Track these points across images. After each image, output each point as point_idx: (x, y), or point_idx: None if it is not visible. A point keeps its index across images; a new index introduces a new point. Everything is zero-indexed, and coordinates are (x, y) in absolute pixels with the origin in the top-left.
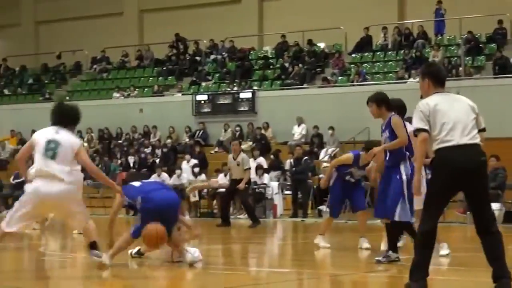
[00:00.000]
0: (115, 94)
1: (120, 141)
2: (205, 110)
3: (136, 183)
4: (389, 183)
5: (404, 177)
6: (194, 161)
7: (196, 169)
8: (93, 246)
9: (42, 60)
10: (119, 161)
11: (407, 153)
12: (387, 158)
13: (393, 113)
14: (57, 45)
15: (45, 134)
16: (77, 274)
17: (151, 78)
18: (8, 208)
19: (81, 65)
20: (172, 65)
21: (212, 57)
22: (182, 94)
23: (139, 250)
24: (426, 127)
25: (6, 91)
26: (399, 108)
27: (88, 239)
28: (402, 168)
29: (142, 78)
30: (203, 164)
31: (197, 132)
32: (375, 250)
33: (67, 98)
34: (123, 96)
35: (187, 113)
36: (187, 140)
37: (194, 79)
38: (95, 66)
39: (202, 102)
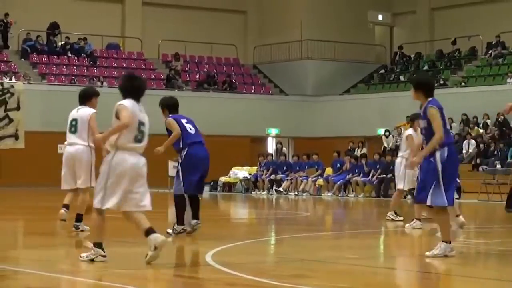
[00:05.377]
0: (510, 80)
1: None
2: None
3: None
4: None
5: None
6: None
7: None
8: None
9: (437, 46)
10: None
11: None
12: None
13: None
14: (452, 31)
15: None
16: None
17: None
18: None
19: (476, 50)
20: None
21: None
22: None
23: None
24: None
25: (401, 78)
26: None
27: None
28: None
29: None
30: None
31: None
32: None
33: (463, 84)
34: None
35: None
36: None
37: None
38: (490, 51)
39: None
